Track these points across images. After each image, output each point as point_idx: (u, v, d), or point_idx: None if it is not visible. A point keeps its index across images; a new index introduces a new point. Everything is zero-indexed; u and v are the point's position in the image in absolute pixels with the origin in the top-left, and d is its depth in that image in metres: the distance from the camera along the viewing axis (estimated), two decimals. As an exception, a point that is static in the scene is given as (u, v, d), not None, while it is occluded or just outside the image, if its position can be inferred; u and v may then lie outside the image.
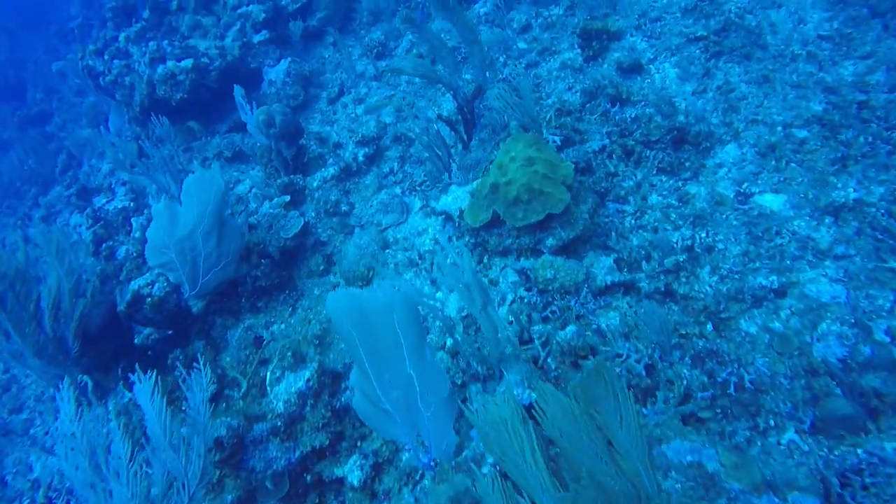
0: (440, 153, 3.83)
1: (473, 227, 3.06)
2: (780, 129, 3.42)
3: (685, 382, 2.35)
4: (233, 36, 5.87)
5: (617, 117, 3.73)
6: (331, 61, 6.01)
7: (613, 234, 3.19)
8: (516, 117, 3.47)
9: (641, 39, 4.41)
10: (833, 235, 2.80)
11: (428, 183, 4.12)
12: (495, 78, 4.67)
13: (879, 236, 2.74)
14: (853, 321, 2.39)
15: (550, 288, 2.88)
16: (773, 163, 3.26)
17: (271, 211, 3.95)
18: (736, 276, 2.85)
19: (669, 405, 2.28)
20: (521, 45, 4.93)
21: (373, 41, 5.87)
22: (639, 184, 3.39)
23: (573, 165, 2.99)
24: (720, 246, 3.00)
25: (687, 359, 2.52)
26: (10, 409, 4.62)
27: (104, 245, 5.25)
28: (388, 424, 2.10)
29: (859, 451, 2.09)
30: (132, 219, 5.00)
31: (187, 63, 5.38)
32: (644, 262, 3.01)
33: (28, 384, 4.77)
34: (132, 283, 3.68)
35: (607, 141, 3.60)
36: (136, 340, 3.83)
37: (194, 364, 3.55)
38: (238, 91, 4.39)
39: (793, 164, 3.21)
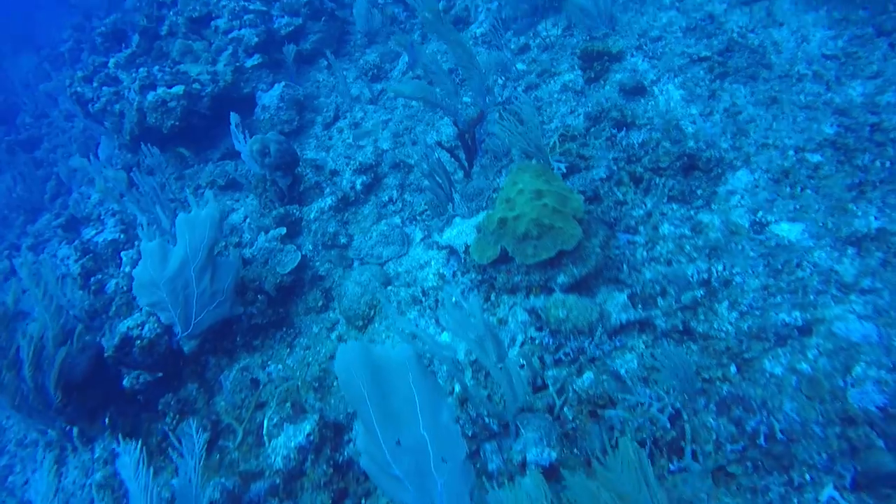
0: (441, 181, 3.70)
1: (480, 264, 2.91)
2: (791, 153, 3.31)
3: (714, 436, 2.20)
4: (225, 60, 5.75)
5: (623, 143, 3.62)
6: (325, 85, 5.91)
7: (625, 266, 3.06)
8: (520, 145, 3.35)
9: (643, 60, 4.32)
10: (857, 267, 2.67)
11: (429, 212, 3.98)
12: (494, 101, 4.57)
13: (905, 268, 2.62)
14: (891, 365, 2.25)
15: (563, 328, 2.74)
16: (788, 189, 3.14)
17: (267, 245, 3.80)
18: (756, 313, 2.72)
19: (698, 461, 2.13)
20: (520, 66, 4.83)
21: (368, 63, 5.77)
22: (649, 213, 3.27)
23: (583, 197, 2.86)
24: (738, 279, 2.87)
25: (712, 406, 2.38)
26: (-9, 455, 4.40)
27: (93, 279, 5.08)
28: (397, 491, 1.93)
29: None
30: (122, 253, 4.82)
31: (178, 89, 5.25)
32: (660, 298, 2.87)
33: (10, 426, 4.56)
34: (120, 324, 3.51)
35: (614, 168, 3.49)
36: (124, 384, 3.64)
37: (186, 421, 3.38)
38: (234, 118, 4.26)
39: (808, 191, 3.10)
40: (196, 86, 5.37)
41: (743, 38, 4.07)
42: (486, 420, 2.48)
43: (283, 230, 3.89)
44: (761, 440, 2.23)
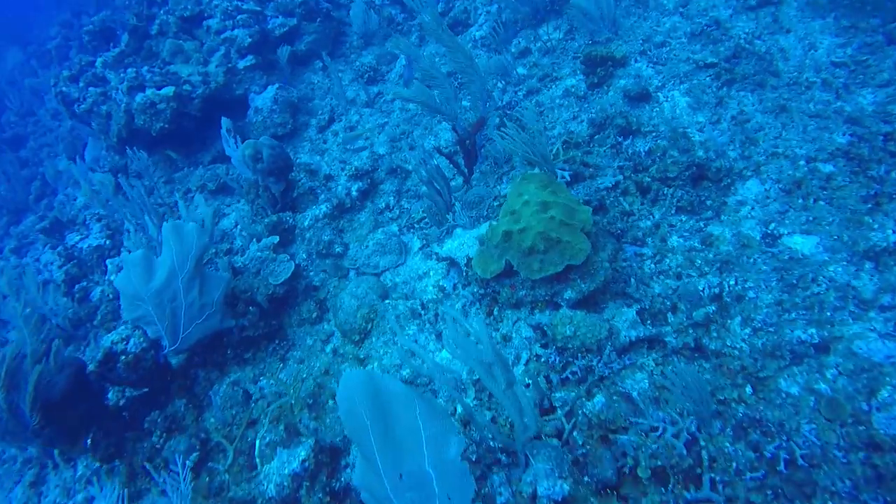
0: (440, 188, 3.57)
1: (483, 278, 2.79)
2: (802, 162, 3.22)
3: (733, 463, 2.09)
4: (217, 61, 5.59)
5: (629, 150, 3.51)
6: (320, 87, 5.76)
7: (633, 279, 2.94)
8: (524, 153, 3.23)
9: (647, 66, 4.22)
10: (876, 283, 2.58)
11: (427, 220, 3.85)
12: (495, 106, 4.45)
13: (924, 284, 2.53)
14: (918, 390, 2.16)
15: (570, 346, 2.62)
16: (801, 201, 3.05)
17: (259, 254, 3.65)
18: (771, 329, 2.61)
19: (717, 490, 2.01)
20: (521, 70, 4.72)
21: (364, 66, 5.63)
22: (657, 224, 3.16)
23: (591, 209, 2.74)
24: (751, 294, 2.76)
25: (729, 430, 2.26)
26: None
27: (77, 286, 4.89)
28: (398, 529, 1.80)
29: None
30: (108, 260, 4.64)
31: (168, 91, 5.08)
32: (670, 314, 2.76)
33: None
34: (104, 338, 3.34)
35: (620, 177, 3.38)
36: (108, 399, 3.47)
37: (173, 439, 3.22)
38: (225, 123, 4.10)
39: (821, 202, 3.00)
40: (186, 87, 5.20)
41: (750, 44, 3.98)
42: (492, 443, 2.35)
43: (276, 239, 3.74)
44: (781, 466, 2.12)
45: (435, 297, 3.21)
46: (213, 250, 4.26)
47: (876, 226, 2.79)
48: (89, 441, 3.05)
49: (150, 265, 3.03)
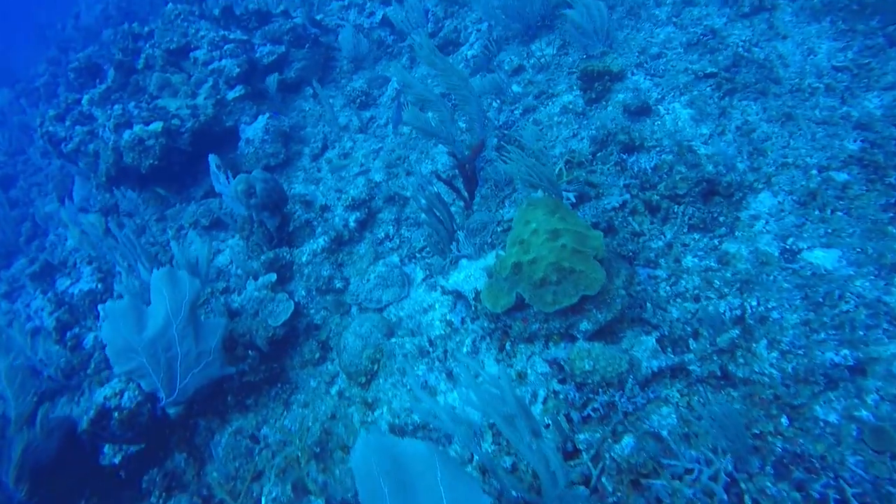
0: (441, 216, 3.44)
1: (494, 312, 2.65)
2: (815, 172, 3.11)
3: (779, 509, 1.94)
4: (205, 93, 5.49)
5: (635, 168, 3.40)
6: (312, 114, 5.66)
7: (649, 304, 2.81)
8: (525, 175, 3.11)
9: (644, 78, 4.13)
10: (908, 299, 2.45)
11: (429, 249, 3.72)
12: (493, 126, 4.35)
13: (958, 296, 2.40)
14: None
15: (589, 381, 2.47)
16: (817, 212, 2.93)
17: (257, 294, 3.50)
18: (800, 352, 2.47)
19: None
20: (516, 88, 4.63)
21: (355, 90, 5.55)
22: (669, 244, 3.04)
23: (602, 234, 2.61)
24: (774, 315, 2.63)
25: (769, 467, 2.11)
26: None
27: (69, 333, 4.72)
28: None
29: None
30: (100, 306, 4.48)
31: (156, 126, 4.97)
32: (692, 340, 2.62)
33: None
34: (96, 393, 3.17)
35: (627, 196, 3.26)
36: (102, 458, 3.29)
37: (174, 499, 3.04)
38: (213, 160, 3.98)
39: (839, 213, 2.89)
40: (175, 121, 5.09)
41: (748, 52, 3.90)
42: (514, 493, 2.18)
43: (274, 276, 3.60)
44: (830, 508, 1.96)
45: (443, 332, 3.07)
46: (209, 289, 4.11)
47: (900, 236, 2.67)
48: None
49: (139, 314, 2.88)
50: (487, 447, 2.48)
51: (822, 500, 1.98)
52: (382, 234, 3.98)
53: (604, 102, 4.09)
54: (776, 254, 2.85)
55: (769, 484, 2.07)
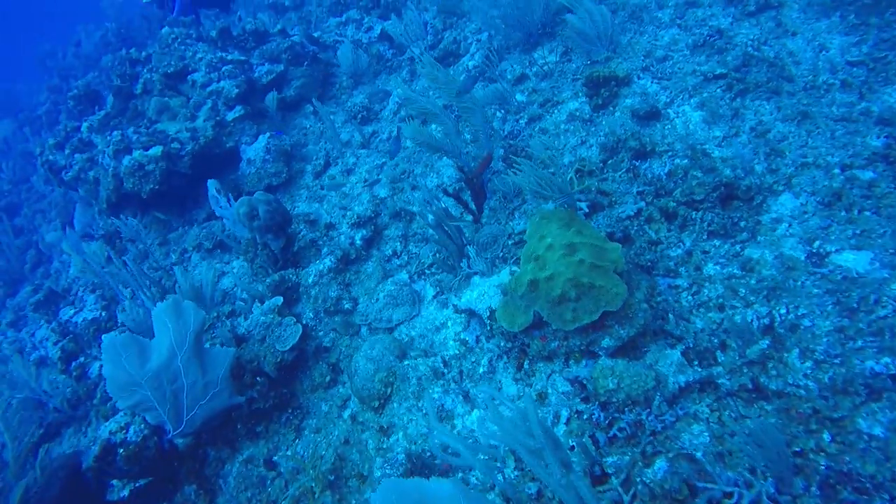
0: (450, 232, 3.34)
1: (511, 331, 2.53)
2: (837, 171, 3.00)
3: (832, 537, 1.80)
4: (204, 115, 5.45)
5: (648, 174, 3.30)
6: (313, 131, 5.60)
7: (671, 315, 2.69)
8: (536, 187, 3.01)
9: (652, 82, 4.04)
10: (949, 302, 2.32)
11: (438, 265, 3.62)
12: (499, 136, 4.26)
13: None
14: None
15: (614, 400, 2.35)
16: (843, 213, 2.81)
17: (263, 318, 3.40)
18: (836, 361, 2.34)
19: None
20: (520, 97, 4.55)
21: (356, 106, 5.49)
22: (689, 251, 2.92)
23: (620, 246, 2.50)
24: (805, 322, 2.50)
25: (814, 488, 1.98)
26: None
27: (74, 363, 4.63)
28: None
29: None
30: (104, 335, 4.39)
31: (156, 151, 4.92)
32: (719, 352, 2.49)
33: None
34: (101, 428, 3.07)
35: (642, 203, 3.15)
36: (110, 493, 3.18)
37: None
38: (212, 185, 3.90)
39: (867, 213, 2.77)
40: (175, 145, 5.03)
41: (758, 50, 3.81)
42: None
43: (280, 300, 3.50)
44: (885, 533, 1.83)
45: (457, 351, 2.95)
46: (215, 313, 4.02)
47: (934, 235, 2.54)
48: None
49: (141, 347, 2.78)
50: (510, 473, 2.35)
51: (876, 524, 1.84)
52: (390, 250, 3.89)
53: (611, 108, 3.99)
54: (802, 258, 2.73)
55: (816, 508, 1.94)
